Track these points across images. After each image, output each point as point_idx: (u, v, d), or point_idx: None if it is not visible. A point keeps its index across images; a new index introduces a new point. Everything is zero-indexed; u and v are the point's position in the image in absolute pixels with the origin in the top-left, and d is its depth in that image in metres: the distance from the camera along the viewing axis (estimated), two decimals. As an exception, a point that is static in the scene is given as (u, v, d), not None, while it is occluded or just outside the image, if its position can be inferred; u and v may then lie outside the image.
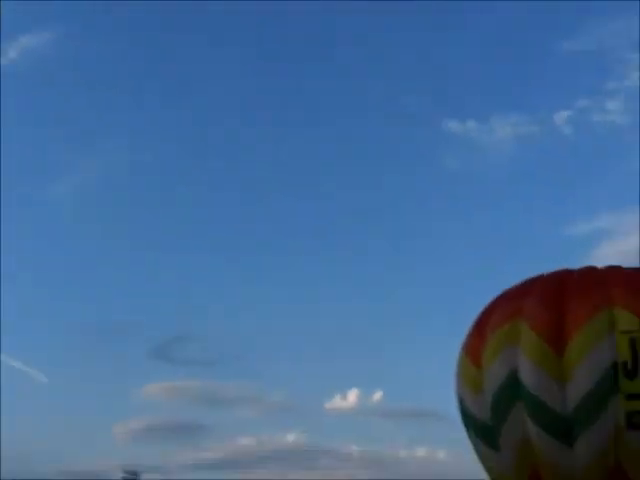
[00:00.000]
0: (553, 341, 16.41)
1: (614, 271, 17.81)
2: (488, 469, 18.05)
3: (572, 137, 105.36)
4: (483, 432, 17.51)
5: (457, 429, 19.12)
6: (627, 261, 18.34)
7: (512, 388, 16.63)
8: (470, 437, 18.27)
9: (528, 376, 16.47)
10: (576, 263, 18.48)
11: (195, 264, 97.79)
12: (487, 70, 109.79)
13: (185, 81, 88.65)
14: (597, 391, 15.91)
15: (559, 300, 16.89)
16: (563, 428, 16.13)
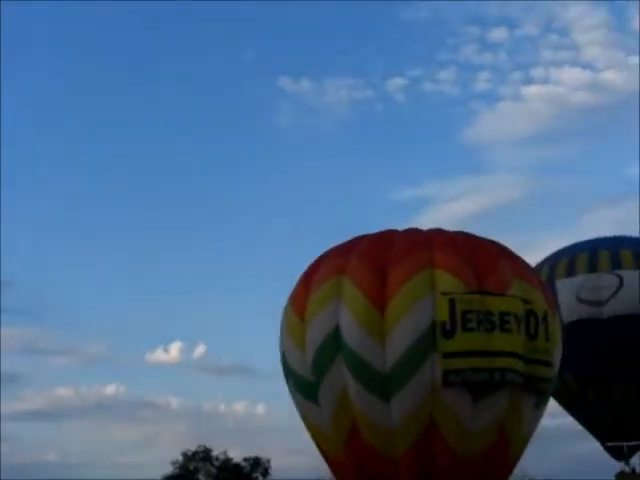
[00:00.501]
0: (375, 299, 16.65)
1: (437, 234, 18.23)
2: (308, 424, 18.25)
3: (404, 104, 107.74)
4: (304, 387, 17.64)
5: (278, 384, 19.20)
6: (449, 228, 18.72)
7: (333, 344, 16.78)
8: (291, 391, 18.40)
9: (349, 333, 16.65)
10: (400, 227, 18.75)
11: (15, 212, 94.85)
12: (324, 33, 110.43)
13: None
14: (415, 349, 16.23)
15: (383, 259, 17.13)
16: (381, 385, 16.41)
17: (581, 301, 31.77)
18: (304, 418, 18.26)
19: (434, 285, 16.61)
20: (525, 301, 16.95)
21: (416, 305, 16.41)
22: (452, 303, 16.38)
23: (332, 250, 18.54)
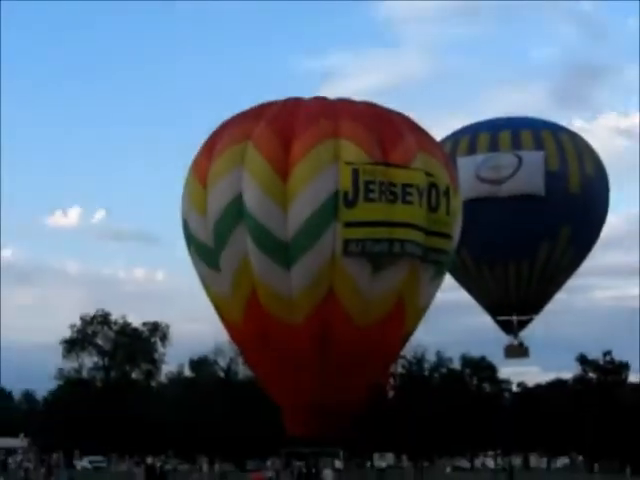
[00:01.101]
0: (278, 167, 16.46)
1: (344, 103, 18.03)
2: (208, 290, 18.24)
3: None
4: (205, 253, 17.54)
5: (179, 251, 18.98)
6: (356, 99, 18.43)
7: (236, 210, 16.64)
8: (192, 258, 18.28)
9: (252, 200, 16.51)
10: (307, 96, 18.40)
11: None
12: None
13: None
14: (316, 218, 16.23)
15: (288, 126, 16.88)
16: (282, 252, 16.42)
17: (480, 179, 32.10)
18: (205, 284, 18.23)
19: (338, 154, 16.48)
20: (428, 174, 16.97)
21: (319, 174, 16.29)
22: (355, 173, 16.29)
23: (236, 116, 18.18)
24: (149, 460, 31.71)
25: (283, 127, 16.88)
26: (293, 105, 17.77)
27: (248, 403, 69.23)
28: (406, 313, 17.40)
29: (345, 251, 16.28)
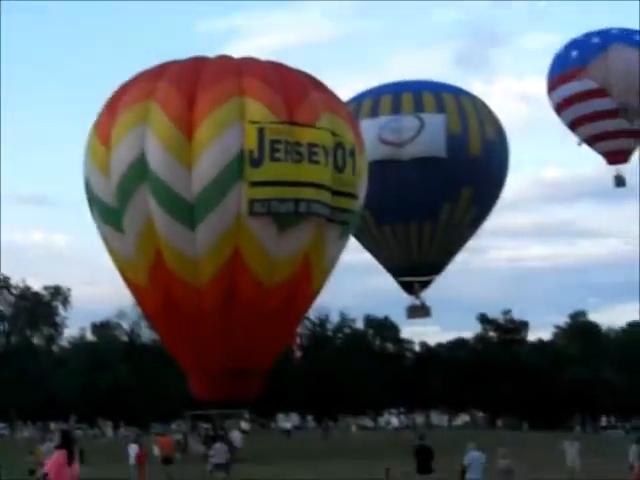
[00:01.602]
0: (183, 125, 16.13)
1: (250, 62, 17.73)
2: (112, 252, 17.88)
3: None
4: (108, 214, 17.15)
5: (79, 214, 18.60)
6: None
7: (139, 170, 16.27)
8: (95, 220, 17.88)
9: (155, 159, 16.17)
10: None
11: None
12: None
13: None
14: (221, 177, 16.00)
15: (192, 85, 16.56)
16: (187, 212, 16.16)
17: (383, 142, 32.14)
18: (108, 246, 17.86)
19: (243, 113, 16.26)
20: (334, 134, 16.91)
21: (224, 133, 16.05)
22: (261, 132, 16.12)
23: (138, 75, 17.72)
24: (64, 426, 31.24)
25: (187, 85, 16.54)
26: (197, 63, 17.41)
27: (152, 366, 68.76)
28: (312, 273, 17.37)
29: (250, 211, 16.10)
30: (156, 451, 30.26)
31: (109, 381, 66.87)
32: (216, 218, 16.13)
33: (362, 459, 34.86)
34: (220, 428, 35.51)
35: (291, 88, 16.99)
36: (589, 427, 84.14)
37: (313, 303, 18.98)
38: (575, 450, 28.35)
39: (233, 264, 16.41)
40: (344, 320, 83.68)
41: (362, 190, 18.06)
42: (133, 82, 17.53)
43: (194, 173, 16.08)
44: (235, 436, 32.00)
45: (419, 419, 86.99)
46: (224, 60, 17.77)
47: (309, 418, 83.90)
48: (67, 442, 10.16)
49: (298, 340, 36.10)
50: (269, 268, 16.55)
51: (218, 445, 29.82)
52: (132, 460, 25.94)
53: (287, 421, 67.82)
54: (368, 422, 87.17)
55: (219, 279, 16.49)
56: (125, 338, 75.71)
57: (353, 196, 17.53)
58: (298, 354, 36.97)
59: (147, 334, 72.64)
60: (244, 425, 38.26)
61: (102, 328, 76.51)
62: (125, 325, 74.55)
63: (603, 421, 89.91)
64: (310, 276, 17.40)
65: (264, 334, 17.20)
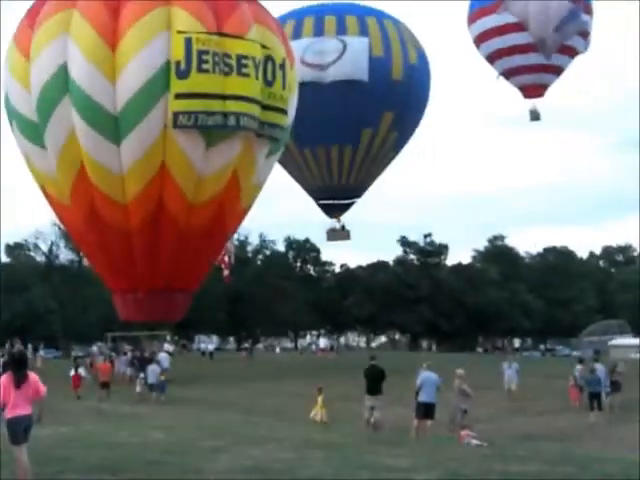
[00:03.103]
0: (106, 35, 15.46)
1: None
2: (33, 169, 17.22)
3: None
4: (29, 130, 16.46)
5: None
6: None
7: (60, 82, 15.59)
8: (16, 136, 17.15)
9: (78, 71, 15.50)
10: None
11: None
12: None
13: None
14: (146, 89, 15.42)
15: None
16: (111, 126, 15.58)
17: (305, 64, 31.88)
18: (29, 163, 17.21)
19: (170, 23, 15.63)
20: (264, 46, 16.44)
21: (150, 43, 15.43)
22: (188, 42, 15.52)
23: None
24: (17, 346, 30.59)
25: None
26: None
27: (70, 288, 67.88)
28: (241, 190, 17.00)
29: (175, 124, 15.56)
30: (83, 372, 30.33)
31: (25, 303, 65.86)
32: (141, 132, 15.58)
33: (292, 381, 35.29)
34: (148, 350, 35.40)
35: None
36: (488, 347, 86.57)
37: (242, 221, 18.72)
38: (513, 371, 29.29)
39: (159, 179, 15.94)
40: (264, 242, 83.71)
41: (292, 106, 17.68)
42: None
43: (118, 85, 15.46)
44: (163, 357, 31.95)
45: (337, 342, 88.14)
46: None
47: (230, 340, 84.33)
48: (12, 364, 9.98)
49: (227, 259, 35.89)
50: (197, 184, 16.14)
51: (152, 366, 29.94)
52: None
53: (207, 343, 67.78)
54: (288, 344, 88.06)
55: (145, 195, 16.01)
56: (41, 259, 74.37)
57: (283, 111, 17.12)
58: (226, 273, 36.83)
59: (66, 255, 71.57)
60: (168, 347, 38.17)
61: (16, 249, 74.94)
62: (43, 246, 73.16)
63: (516, 343, 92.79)
64: (239, 193, 17.04)
65: (192, 252, 16.88)
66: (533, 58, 36.11)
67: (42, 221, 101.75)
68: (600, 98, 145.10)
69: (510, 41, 35.91)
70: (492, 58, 37.28)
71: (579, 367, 27.93)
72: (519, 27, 35.42)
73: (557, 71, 37.28)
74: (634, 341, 61.76)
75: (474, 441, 16.68)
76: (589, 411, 23.71)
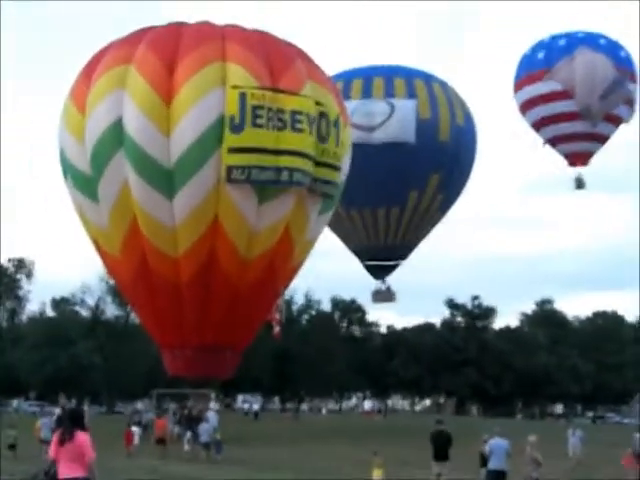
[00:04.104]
0: (162, 89, 15.55)
1: (233, 28, 17.14)
2: (86, 223, 17.27)
3: None
4: (83, 183, 16.55)
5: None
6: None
7: (115, 136, 15.68)
8: (69, 189, 17.28)
9: (133, 124, 15.59)
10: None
11: None
12: None
13: None
14: (200, 143, 15.44)
15: (172, 49, 15.98)
16: (165, 180, 15.60)
17: (353, 126, 31.99)
18: (82, 216, 17.28)
19: (225, 78, 15.70)
20: (318, 103, 16.42)
21: (205, 97, 15.49)
22: (243, 97, 15.54)
23: (116, 40, 17.12)
24: (61, 400, 30.57)
25: (166, 49, 15.95)
26: (177, 28, 16.80)
27: (115, 343, 67.95)
28: (293, 246, 16.87)
29: (229, 178, 15.52)
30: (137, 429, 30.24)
31: (69, 357, 66.02)
32: (194, 186, 15.57)
33: (341, 443, 34.71)
34: (195, 408, 35.09)
35: (275, 55, 16.48)
36: (541, 414, 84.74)
37: (293, 278, 18.48)
38: (577, 439, 28.41)
39: (212, 233, 15.87)
40: (309, 301, 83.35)
41: (346, 163, 17.62)
42: (110, 47, 16.89)
43: (172, 139, 15.52)
44: (212, 416, 31.60)
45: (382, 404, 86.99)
46: (206, 25, 17.16)
47: (274, 400, 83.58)
48: (62, 421, 9.55)
49: (277, 316, 35.70)
50: (249, 239, 16.04)
51: (206, 425, 29.68)
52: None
53: (248, 402, 67.14)
54: (332, 405, 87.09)
55: (197, 249, 15.94)
56: (85, 313, 74.62)
57: (336, 168, 17.04)
58: (277, 329, 36.61)
59: (112, 310, 71.84)
60: (213, 405, 37.84)
61: (62, 303, 75.35)
62: (90, 300, 73.53)
63: (559, 409, 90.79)
64: (291, 249, 16.90)
65: (242, 308, 16.69)
66: (579, 126, 36.09)
67: (89, 275, 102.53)
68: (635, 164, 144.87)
69: (556, 109, 35.96)
70: (538, 126, 37.32)
71: (638, 435, 27.13)
72: (565, 95, 35.47)
73: (602, 139, 37.22)
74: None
75: None
76: None
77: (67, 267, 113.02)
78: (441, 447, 18.36)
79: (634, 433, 27.46)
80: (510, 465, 17.56)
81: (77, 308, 74.92)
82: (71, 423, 9.22)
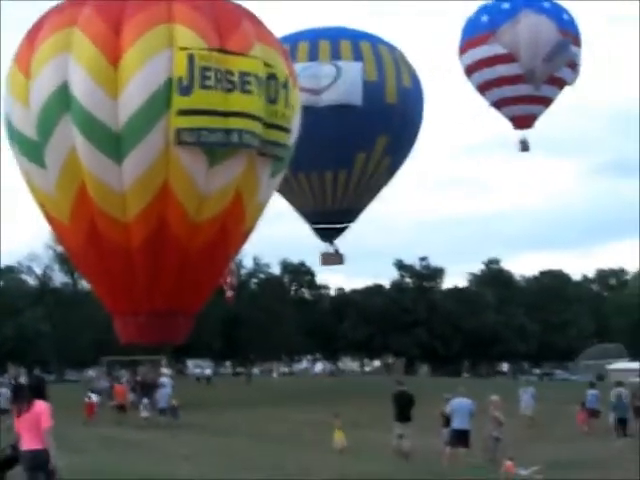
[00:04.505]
0: (108, 51, 15.27)
1: None
2: (34, 189, 16.94)
3: None
4: (29, 148, 16.23)
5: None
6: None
7: (61, 100, 15.37)
8: (16, 155, 16.92)
9: (79, 88, 15.29)
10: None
11: None
12: None
13: None
14: (149, 106, 15.21)
15: (118, 10, 15.67)
16: (113, 144, 15.36)
17: (299, 88, 31.86)
18: (29, 182, 16.96)
19: (172, 40, 15.45)
20: (267, 64, 16.29)
21: (152, 59, 15.25)
22: (191, 58, 15.35)
23: (60, 3, 16.80)
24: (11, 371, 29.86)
25: (112, 11, 15.64)
26: None
27: (64, 311, 67.21)
28: (245, 209, 16.77)
29: (178, 140, 15.33)
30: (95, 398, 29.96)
31: (16, 326, 65.15)
32: (143, 149, 15.35)
33: (296, 406, 34.77)
34: (149, 375, 34.86)
35: (223, 17, 16.26)
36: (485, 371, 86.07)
37: (245, 242, 18.38)
38: (529, 396, 28.74)
39: (162, 197, 15.68)
40: (258, 265, 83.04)
41: (295, 125, 17.50)
42: (53, 11, 16.54)
43: (120, 102, 15.25)
44: (166, 382, 31.43)
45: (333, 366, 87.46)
46: None
47: (225, 364, 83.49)
48: (18, 391, 9.27)
49: (229, 279, 35.54)
50: (200, 202, 15.90)
51: (163, 390, 29.50)
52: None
53: (199, 367, 66.95)
54: (284, 368, 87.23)
55: (147, 213, 15.76)
56: (35, 282, 73.57)
57: (286, 129, 16.94)
58: (230, 294, 36.45)
59: (60, 278, 70.94)
60: (166, 371, 37.63)
61: (7, 272, 74.08)
62: (37, 268, 72.40)
63: (504, 367, 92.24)
64: (242, 213, 16.79)
65: (194, 272, 16.60)
66: (523, 89, 36.29)
67: (35, 243, 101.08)
68: (579, 126, 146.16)
69: (500, 72, 36.13)
70: (482, 89, 37.50)
71: (592, 392, 27.41)
72: (509, 58, 35.65)
73: (546, 102, 37.53)
74: (633, 365, 61.41)
75: (523, 471, 15.87)
76: (616, 437, 22.98)
77: (12, 235, 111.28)
78: (404, 408, 18.17)
79: (588, 390, 27.77)
80: (472, 425, 17.58)
81: (24, 276, 73.80)
82: (31, 393, 8.99)
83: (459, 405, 17.36)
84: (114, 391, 31.71)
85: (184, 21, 15.65)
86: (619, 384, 25.58)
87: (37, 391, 9.01)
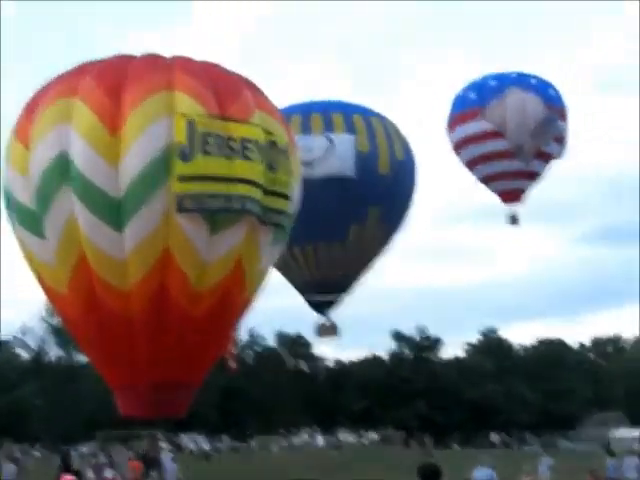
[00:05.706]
0: (108, 120, 15.23)
1: (180, 59, 16.95)
2: (31, 258, 16.66)
3: None
4: (28, 218, 16.05)
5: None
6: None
7: (61, 169, 15.29)
8: (14, 227, 16.72)
9: (79, 156, 15.21)
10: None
11: None
12: None
13: None
14: (149, 172, 15.12)
15: (118, 79, 15.71)
16: (114, 212, 15.22)
17: (295, 160, 32.04)
18: (26, 252, 16.73)
19: (172, 106, 15.47)
20: (267, 132, 16.29)
21: (152, 126, 15.23)
22: (191, 125, 15.33)
23: (60, 75, 16.76)
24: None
25: (113, 80, 15.67)
26: (123, 60, 16.59)
27: (58, 386, 66.60)
28: (246, 278, 16.55)
29: (179, 207, 15.25)
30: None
31: (9, 402, 64.50)
32: (144, 216, 15.22)
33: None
34: (153, 449, 34.30)
35: (223, 85, 16.30)
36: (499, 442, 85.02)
37: (247, 311, 18.10)
38: (545, 467, 28.44)
39: (163, 265, 15.49)
40: (253, 337, 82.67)
41: (296, 192, 17.43)
42: (53, 81, 16.56)
43: (121, 169, 15.15)
44: (168, 457, 30.88)
45: (333, 438, 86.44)
46: (153, 57, 16.95)
47: (221, 438, 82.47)
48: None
49: (232, 350, 35.10)
50: (201, 270, 15.69)
51: (172, 466, 28.96)
52: None
53: (204, 442, 65.95)
54: (282, 442, 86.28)
55: (148, 281, 15.54)
56: (28, 356, 73.04)
57: (286, 197, 16.86)
58: (232, 365, 35.98)
59: (54, 351, 70.47)
60: (165, 446, 37.03)
61: (1, 346, 73.60)
62: (31, 342, 71.95)
63: (495, 438, 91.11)
64: (243, 281, 16.56)
65: (196, 342, 16.29)
66: (511, 164, 36.74)
67: (28, 317, 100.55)
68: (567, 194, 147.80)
69: (488, 148, 36.60)
70: (471, 164, 37.96)
71: (611, 461, 27.32)
72: (497, 135, 36.14)
73: (534, 176, 37.93)
74: (635, 433, 60.76)
75: None
76: None
77: (5, 309, 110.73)
78: None
79: (608, 460, 27.62)
80: None
81: (17, 351, 73.22)
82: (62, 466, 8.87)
83: (481, 475, 17.15)
84: (129, 467, 31.48)
85: (184, 89, 15.69)
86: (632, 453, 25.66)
87: (64, 465, 8.82)
